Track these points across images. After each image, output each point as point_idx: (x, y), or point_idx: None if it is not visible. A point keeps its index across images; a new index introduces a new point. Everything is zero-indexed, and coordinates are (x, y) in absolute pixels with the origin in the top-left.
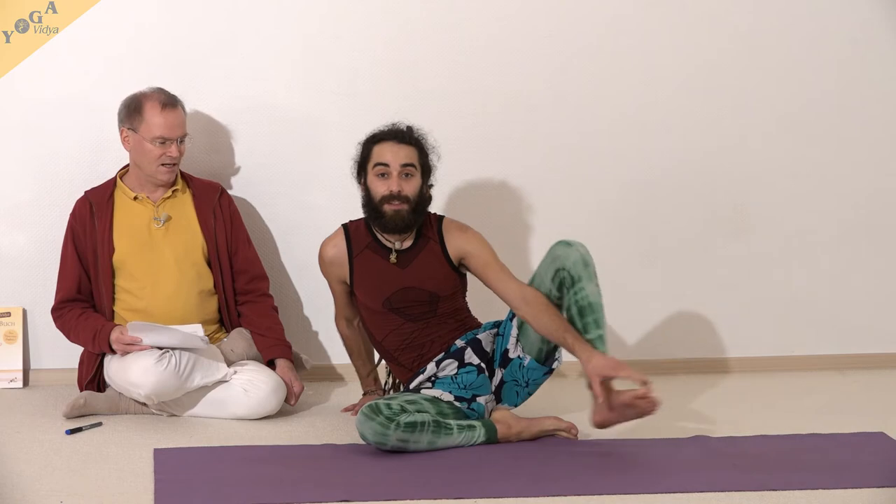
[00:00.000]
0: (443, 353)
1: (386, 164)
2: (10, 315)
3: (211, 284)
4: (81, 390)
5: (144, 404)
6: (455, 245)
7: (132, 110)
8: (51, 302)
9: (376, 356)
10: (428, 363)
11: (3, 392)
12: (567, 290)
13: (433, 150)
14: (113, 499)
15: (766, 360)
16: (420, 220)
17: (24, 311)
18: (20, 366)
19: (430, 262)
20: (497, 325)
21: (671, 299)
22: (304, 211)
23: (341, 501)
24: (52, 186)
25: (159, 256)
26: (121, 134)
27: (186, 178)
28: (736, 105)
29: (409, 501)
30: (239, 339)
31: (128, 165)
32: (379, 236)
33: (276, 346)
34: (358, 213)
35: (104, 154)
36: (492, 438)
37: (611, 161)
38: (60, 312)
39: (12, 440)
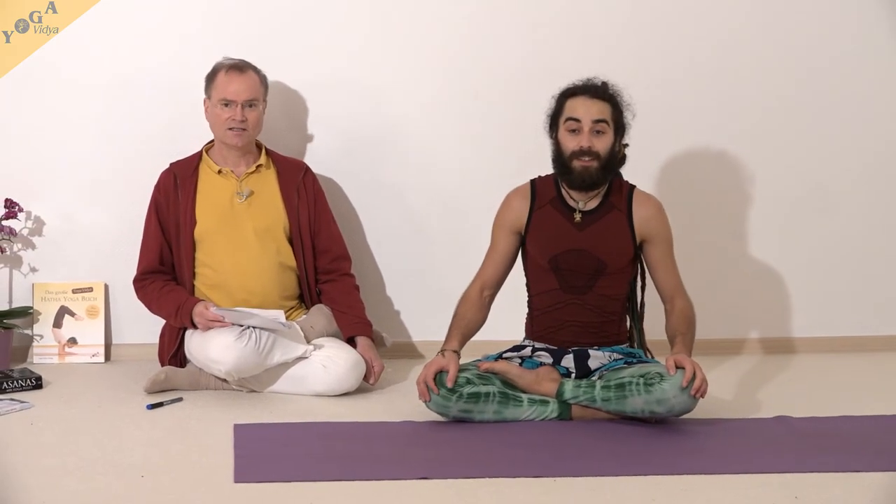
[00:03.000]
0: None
1: (577, 120)
2: (91, 290)
3: (291, 261)
4: (162, 365)
5: (225, 380)
6: (645, 221)
7: (209, 79)
8: (131, 278)
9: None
10: (544, 342)
11: (85, 366)
12: (647, 380)
13: (628, 108)
14: (193, 473)
15: (849, 339)
16: (608, 179)
17: (106, 287)
18: (102, 340)
19: (611, 229)
20: (629, 354)
21: (752, 278)
22: (388, 189)
23: (420, 478)
24: (132, 165)
25: (240, 231)
26: (204, 105)
27: (271, 154)
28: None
29: (489, 479)
30: (319, 315)
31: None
32: (564, 193)
33: (356, 324)
34: (447, 191)
35: (183, 131)
36: (565, 415)
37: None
38: (143, 283)
39: (94, 414)
